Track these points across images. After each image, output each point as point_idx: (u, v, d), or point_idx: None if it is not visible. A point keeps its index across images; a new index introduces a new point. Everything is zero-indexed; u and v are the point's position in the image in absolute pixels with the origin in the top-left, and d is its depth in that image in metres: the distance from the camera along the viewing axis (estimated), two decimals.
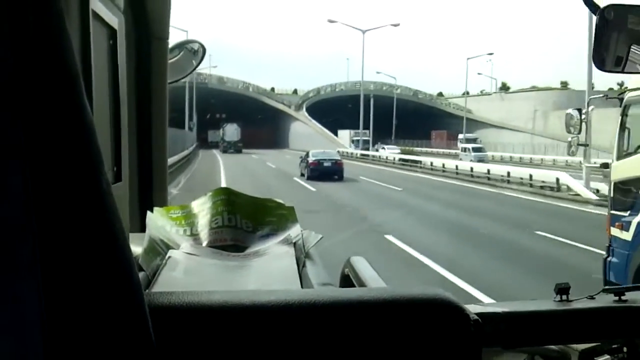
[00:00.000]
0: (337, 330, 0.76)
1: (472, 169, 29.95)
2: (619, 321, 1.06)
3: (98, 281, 0.50)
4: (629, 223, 6.07)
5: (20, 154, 0.47)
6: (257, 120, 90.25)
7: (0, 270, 0.44)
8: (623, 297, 1.08)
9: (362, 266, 1.38)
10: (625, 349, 1.09)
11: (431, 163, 36.66)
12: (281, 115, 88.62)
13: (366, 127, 62.05)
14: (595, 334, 1.02)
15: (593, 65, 1.63)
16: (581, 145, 8.11)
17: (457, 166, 32.55)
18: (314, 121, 77.13)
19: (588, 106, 8.10)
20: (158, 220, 1.47)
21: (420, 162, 39.24)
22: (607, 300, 1.08)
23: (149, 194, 2.00)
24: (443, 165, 33.83)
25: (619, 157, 6.51)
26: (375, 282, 1.26)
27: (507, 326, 0.93)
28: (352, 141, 69.35)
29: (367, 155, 53.32)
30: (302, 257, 1.40)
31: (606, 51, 1.55)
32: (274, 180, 26.92)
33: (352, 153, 56.74)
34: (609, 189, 6.71)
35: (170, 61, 2.16)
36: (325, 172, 24.57)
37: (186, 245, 1.41)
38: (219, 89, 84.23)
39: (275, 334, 0.75)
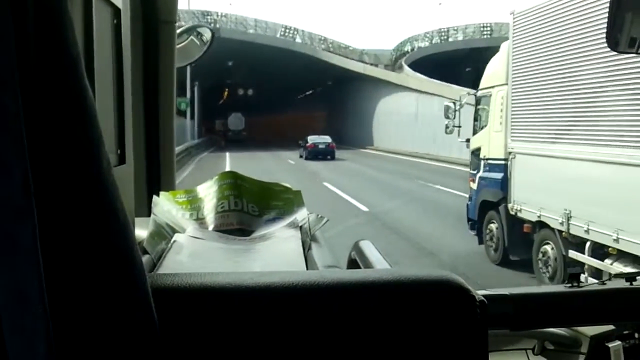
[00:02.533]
0: (342, 312, 0.76)
1: None
2: (630, 304, 1.05)
3: (99, 263, 0.50)
4: (475, 177, 9.59)
5: (19, 134, 0.46)
6: (311, 98, 64.08)
7: (1, 251, 0.43)
8: (635, 282, 1.07)
9: (369, 250, 1.38)
10: (637, 335, 1.09)
11: None
12: (356, 86, 50.31)
13: None
14: (605, 317, 1.00)
15: None
16: (455, 127, 10.85)
17: None
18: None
19: (461, 99, 10.77)
20: (164, 204, 1.47)
21: None
22: (618, 284, 1.07)
23: (156, 178, 1.99)
24: None
25: (473, 135, 9.87)
26: (381, 265, 1.25)
27: (515, 308, 0.91)
28: None
29: None
30: (308, 240, 1.40)
31: (620, 32, 1.53)
32: None
33: None
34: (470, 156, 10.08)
35: (178, 46, 2.14)
36: (320, 153, 30.86)
37: (192, 229, 1.41)
38: (241, 40, 46.09)
39: (279, 316, 0.75)
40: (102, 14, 1.34)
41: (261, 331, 0.74)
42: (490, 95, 9.07)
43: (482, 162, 9.24)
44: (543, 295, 0.99)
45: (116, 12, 1.46)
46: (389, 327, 0.76)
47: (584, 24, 6.46)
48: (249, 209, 1.49)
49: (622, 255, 6.04)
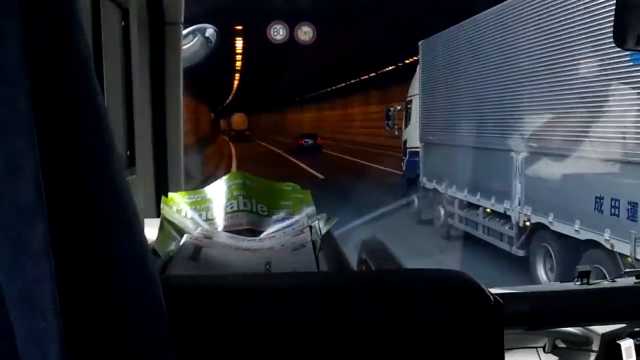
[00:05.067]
0: (355, 313, 0.75)
1: None
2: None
3: (111, 265, 0.50)
4: (404, 161, 13.06)
5: (31, 136, 0.46)
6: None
7: (12, 255, 0.43)
8: None
9: (379, 248, 1.39)
10: None
11: None
12: None
13: None
14: (617, 315, 1.01)
15: None
16: (394, 125, 14.35)
17: None
18: None
19: (395, 106, 14.54)
20: (173, 205, 1.48)
21: None
22: (628, 282, 1.07)
23: (164, 179, 2.00)
24: None
25: (404, 129, 13.16)
26: (392, 263, 1.26)
27: (529, 308, 0.91)
28: None
29: None
30: (318, 240, 1.40)
31: (627, 30, 1.54)
32: None
33: None
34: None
35: (184, 47, 2.16)
36: (308, 148, 35.89)
37: (201, 229, 1.41)
38: None
39: (290, 317, 0.74)
40: (110, 16, 1.35)
41: (273, 333, 0.73)
42: (412, 102, 12.47)
43: (407, 150, 12.71)
44: (556, 295, 0.98)
45: (124, 13, 1.48)
46: (403, 328, 0.75)
47: (462, 53, 10.16)
48: (258, 209, 1.49)
49: (473, 207, 9.56)
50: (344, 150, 34.92)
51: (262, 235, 1.42)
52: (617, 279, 1.08)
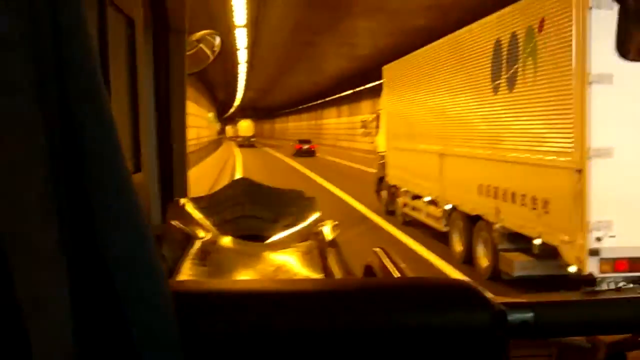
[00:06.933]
0: (358, 319, 0.74)
1: None
2: None
3: (119, 271, 0.50)
4: (377, 163, 15.18)
5: (38, 142, 0.46)
6: None
7: (23, 259, 0.42)
8: None
9: (386, 257, 1.38)
10: None
11: None
12: None
13: None
14: (624, 325, 0.95)
15: None
16: (368, 133, 16.97)
17: None
18: None
19: (368, 117, 17.17)
20: (180, 210, 1.48)
21: None
22: (634, 292, 1.05)
23: (170, 185, 1.99)
24: None
25: (376, 136, 15.39)
26: (398, 272, 1.28)
27: (534, 317, 0.86)
28: None
29: None
30: (323, 247, 1.41)
31: (629, 41, 1.58)
32: None
33: None
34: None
35: (188, 53, 2.19)
36: (304, 152, 43.55)
37: (208, 234, 1.41)
38: None
39: (296, 322, 0.74)
40: (117, 25, 1.34)
41: (280, 338, 0.73)
42: (380, 113, 15.09)
43: (379, 154, 14.97)
44: (562, 304, 0.95)
45: (130, 22, 1.48)
46: (406, 335, 0.74)
47: (410, 77, 12.68)
48: (263, 215, 1.50)
49: (417, 198, 11.83)
50: (334, 154, 42.23)
51: (268, 241, 1.44)
52: (623, 288, 1.06)
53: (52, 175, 0.46)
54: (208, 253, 1.30)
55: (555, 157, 6.72)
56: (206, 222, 1.47)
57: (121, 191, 0.51)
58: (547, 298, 1.01)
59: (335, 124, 48.89)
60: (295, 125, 73.68)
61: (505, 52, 7.87)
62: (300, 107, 65.64)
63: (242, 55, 26.72)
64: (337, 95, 46.60)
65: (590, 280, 6.23)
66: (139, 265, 0.51)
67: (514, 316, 0.82)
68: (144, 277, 0.52)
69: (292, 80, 42.45)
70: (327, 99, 51.47)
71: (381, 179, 14.79)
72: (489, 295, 0.78)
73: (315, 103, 58.31)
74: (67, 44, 0.48)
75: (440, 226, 10.52)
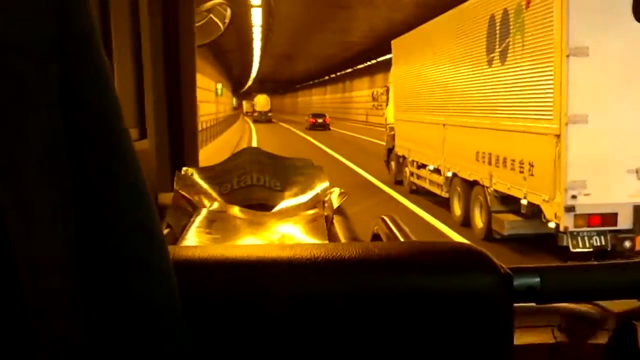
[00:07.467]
0: (364, 284, 0.73)
1: None
2: None
3: (119, 237, 0.47)
4: (386, 135, 15.77)
5: (37, 105, 0.43)
6: None
7: (25, 224, 0.41)
8: None
9: (393, 223, 1.38)
10: None
11: None
12: None
13: None
14: (631, 291, 0.92)
15: None
16: (379, 106, 18.09)
17: None
18: None
19: (379, 90, 18.02)
20: (187, 179, 1.46)
21: None
22: None
23: (180, 154, 1.98)
24: None
25: (385, 109, 16.04)
26: (404, 238, 1.27)
27: (540, 282, 0.85)
28: None
29: None
30: (330, 215, 1.40)
31: None
32: None
33: None
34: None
35: (198, 24, 2.15)
36: (318, 125, 45.14)
37: (214, 203, 1.40)
38: None
39: (301, 288, 0.72)
40: None
41: (283, 303, 0.72)
42: (389, 87, 15.64)
43: (387, 126, 15.72)
44: (569, 269, 0.93)
45: None
46: (412, 299, 0.73)
47: (418, 51, 13.07)
48: (271, 184, 1.47)
49: (422, 167, 12.57)
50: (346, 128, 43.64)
51: (274, 210, 1.42)
52: (635, 256, 1.23)
53: (51, 137, 0.43)
54: (214, 221, 1.30)
55: (538, 124, 7.46)
56: (213, 191, 1.45)
57: (120, 156, 0.48)
58: (555, 265, 0.98)
59: (367, 96, 40.68)
60: (319, 99, 72.94)
61: (498, 27, 8.53)
62: (327, 77, 63.50)
63: (257, 17, 25.18)
64: (371, 62, 42.41)
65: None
66: (140, 232, 0.49)
67: (521, 281, 0.82)
68: (146, 244, 0.50)
69: (318, 45, 39.96)
70: (359, 66, 47.86)
71: (390, 150, 15.51)
72: (495, 259, 0.77)
73: (344, 72, 55.78)
74: (67, 12, 0.45)
75: (443, 192, 11.24)
